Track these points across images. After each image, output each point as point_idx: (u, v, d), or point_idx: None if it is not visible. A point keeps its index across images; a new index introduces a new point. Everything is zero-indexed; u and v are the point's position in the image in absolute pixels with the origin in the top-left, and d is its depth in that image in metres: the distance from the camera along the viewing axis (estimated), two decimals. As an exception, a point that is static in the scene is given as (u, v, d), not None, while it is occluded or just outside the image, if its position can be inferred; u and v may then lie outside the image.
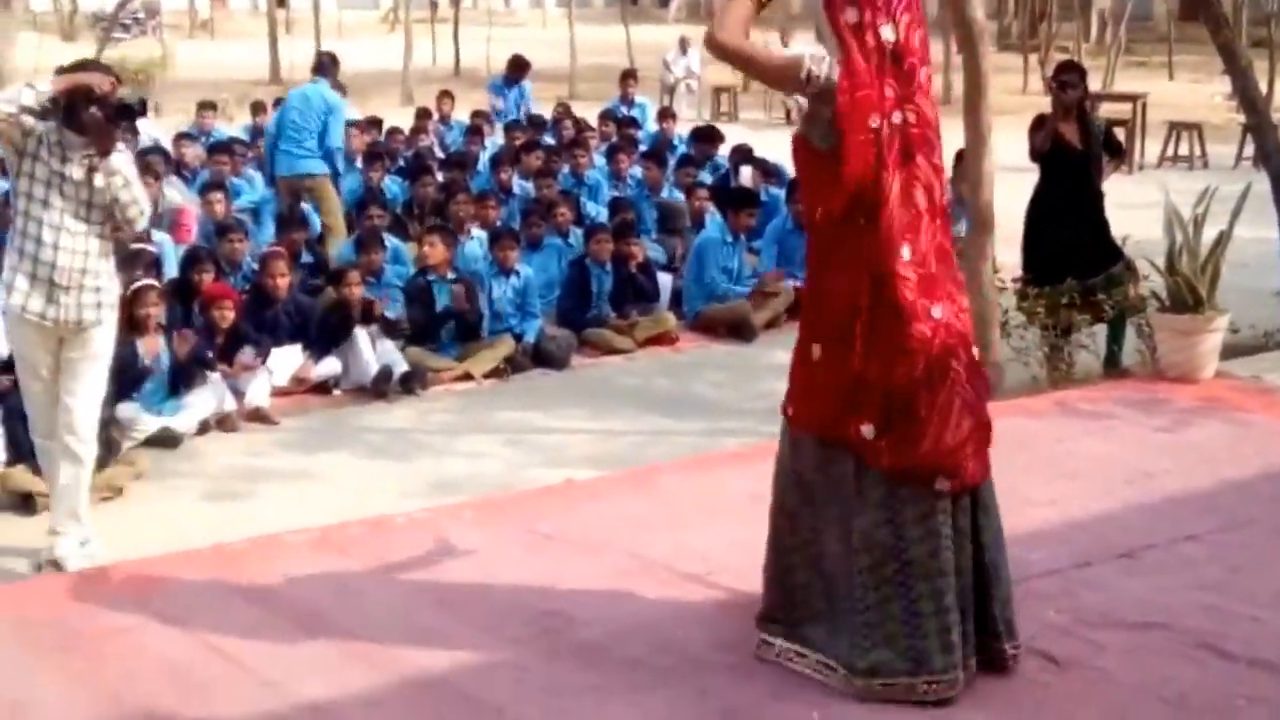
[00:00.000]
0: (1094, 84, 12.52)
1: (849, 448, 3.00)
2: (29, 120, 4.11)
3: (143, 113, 4.49)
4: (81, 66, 4.36)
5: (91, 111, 4.10)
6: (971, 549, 3.04)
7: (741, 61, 3.06)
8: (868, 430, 2.97)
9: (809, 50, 2.99)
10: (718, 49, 2.98)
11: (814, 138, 3.01)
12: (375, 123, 11.21)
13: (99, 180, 4.18)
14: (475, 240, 7.96)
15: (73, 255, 4.20)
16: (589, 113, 12.67)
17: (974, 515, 3.05)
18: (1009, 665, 3.10)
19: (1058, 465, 4.64)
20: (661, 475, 4.77)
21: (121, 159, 4.26)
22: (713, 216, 8.62)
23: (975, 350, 3.09)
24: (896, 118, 2.96)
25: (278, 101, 10.43)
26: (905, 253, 2.97)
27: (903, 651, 2.95)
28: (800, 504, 3.12)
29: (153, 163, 8.99)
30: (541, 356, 7.05)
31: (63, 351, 4.28)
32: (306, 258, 7.76)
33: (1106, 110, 12.89)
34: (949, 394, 2.97)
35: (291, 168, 8.54)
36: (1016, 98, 17.24)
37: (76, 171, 4.18)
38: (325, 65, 8.93)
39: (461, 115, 12.39)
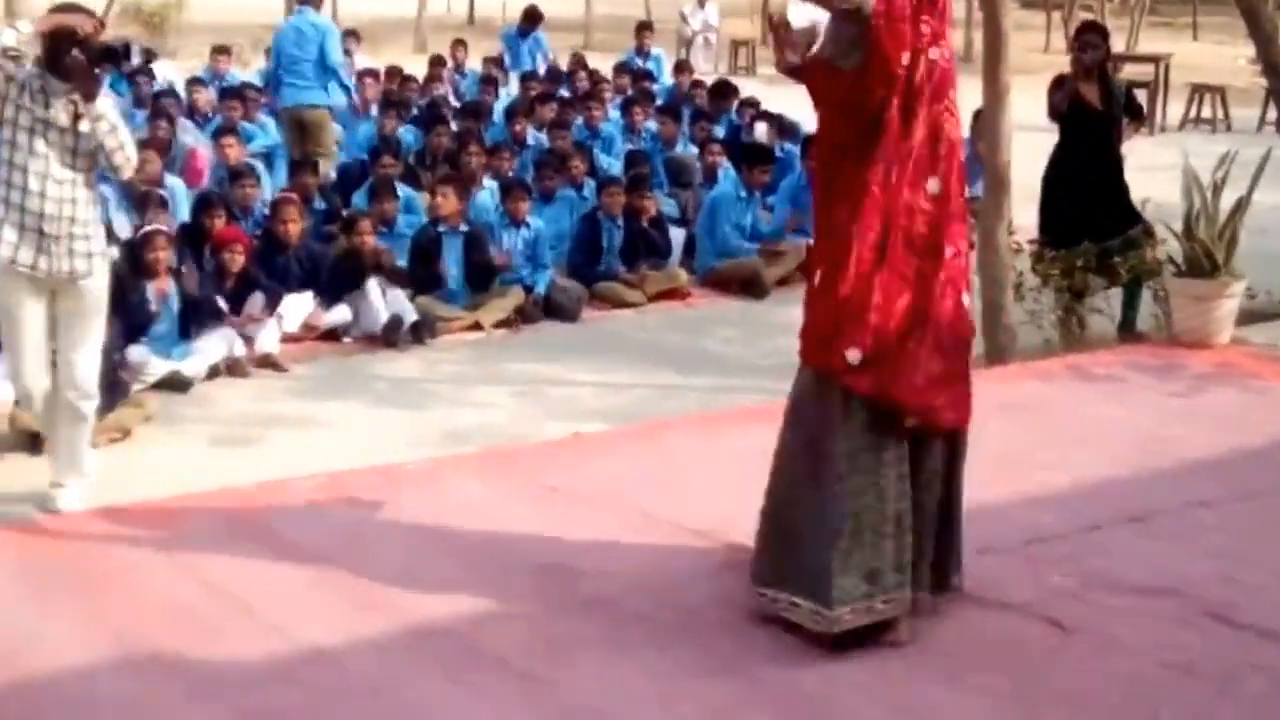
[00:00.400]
0: (1117, 44, 12.33)
1: (834, 377, 3.03)
2: (10, 65, 3.97)
3: (127, 57, 4.36)
4: (64, 8, 4.20)
5: (74, 55, 3.97)
6: (940, 490, 3.14)
7: None
8: (853, 355, 2.99)
9: None
10: None
11: (836, 58, 2.99)
12: (397, 72, 11.12)
13: (84, 126, 4.06)
14: (487, 191, 7.91)
15: (60, 204, 4.09)
16: (604, 64, 12.55)
17: (948, 458, 3.14)
18: (959, 589, 3.24)
19: (1069, 429, 4.62)
20: (669, 431, 4.76)
21: (106, 104, 4.15)
22: (727, 171, 8.55)
23: (966, 297, 3.12)
24: (934, 54, 2.97)
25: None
26: (933, 186, 3.01)
27: (864, 575, 3.02)
28: (797, 438, 3.13)
29: (166, 106, 8.97)
30: (552, 308, 7.03)
31: (57, 305, 4.19)
32: (319, 204, 7.73)
33: (1129, 71, 12.72)
34: (933, 333, 3.03)
35: (294, 99, 8.68)
36: (1038, 56, 17.03)
37: (61, 117, 4.05)
38: None
39: (476, 64, 12.28)
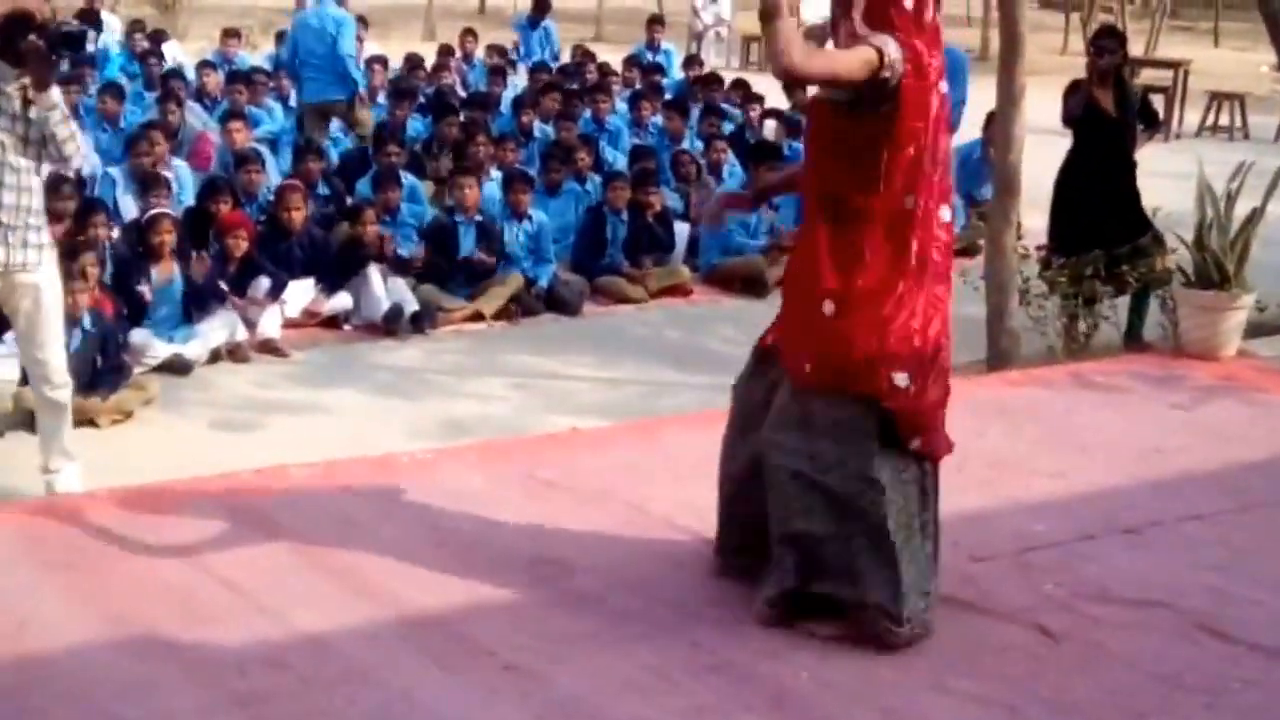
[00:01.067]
0: (1137, 49, 12.22)
1: (868, 398, 3.02)
2: None
3: (83, 43, 4.17)
4: None
5: (31, 40, 3.86)
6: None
7: (827, 79, 2.98)
8: (901, 379, 3.01)
9: (872, 41, 2.89)
10: (803, 77, 2.93)
11: (851, 105, 2.96)
12: (414, 60, 11.12)
13: (33, 113, 3.97)
14: (494, 183, 7.91)
15: (18, 193, 4.01)
16: (614, 56, 12.52)
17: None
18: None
19: (1068, 437, 4.60)
20: (666, 428, 4.75)
21: (56, 92, 4.05)
22: (733, 169, 8.53)
23: None
24: (943, 87, 3.01)
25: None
26: (945, 214, 3.08)
27: (920, 592, 3.08)
28: (806, 465, 3.08)
29: (175, 88, 8.96)
30: (554, 301, 7.03)
31: (12, 301, 4.13)
32: (323, 189, 7.73)
33: (1148, 76, 12.67)
34: (943, 360, 3.10)
35: (317, 95, 8.69)
36: (1055, 58, 16.96)
37: (14, 104, 3.97)
38: None
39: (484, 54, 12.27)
